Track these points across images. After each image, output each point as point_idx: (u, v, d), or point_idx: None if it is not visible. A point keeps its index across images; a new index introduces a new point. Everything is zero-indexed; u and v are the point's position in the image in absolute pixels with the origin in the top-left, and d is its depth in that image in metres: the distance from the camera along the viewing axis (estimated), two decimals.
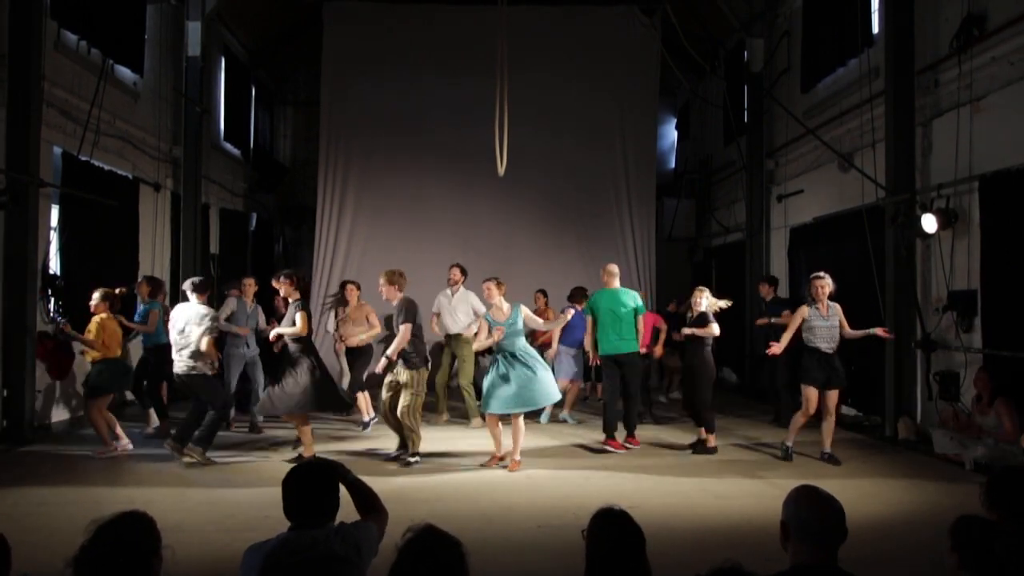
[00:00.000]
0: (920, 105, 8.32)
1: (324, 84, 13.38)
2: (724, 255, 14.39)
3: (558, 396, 7.33)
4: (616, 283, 7.85)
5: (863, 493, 5.93)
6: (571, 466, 7.01)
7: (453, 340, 9.29)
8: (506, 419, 7.00)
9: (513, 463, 6.84)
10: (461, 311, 9.26)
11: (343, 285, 9.56)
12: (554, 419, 9.33)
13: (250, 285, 8.77)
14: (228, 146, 14.03)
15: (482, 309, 8.44)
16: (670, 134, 17.37)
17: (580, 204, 13.28)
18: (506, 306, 7.05)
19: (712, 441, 7.64)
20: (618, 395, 7.80)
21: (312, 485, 2.60)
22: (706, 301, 7.73)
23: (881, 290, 8.51)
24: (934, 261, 8.13)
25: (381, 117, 13.17)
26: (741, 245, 12.97)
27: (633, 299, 7.82)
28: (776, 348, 7.29)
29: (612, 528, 2.45)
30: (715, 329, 7.62)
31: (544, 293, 10.63)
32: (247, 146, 14.98)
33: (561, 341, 9.35)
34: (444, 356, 9.49)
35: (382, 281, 7.14)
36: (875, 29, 9.29)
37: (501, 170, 8.78)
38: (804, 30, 11.08)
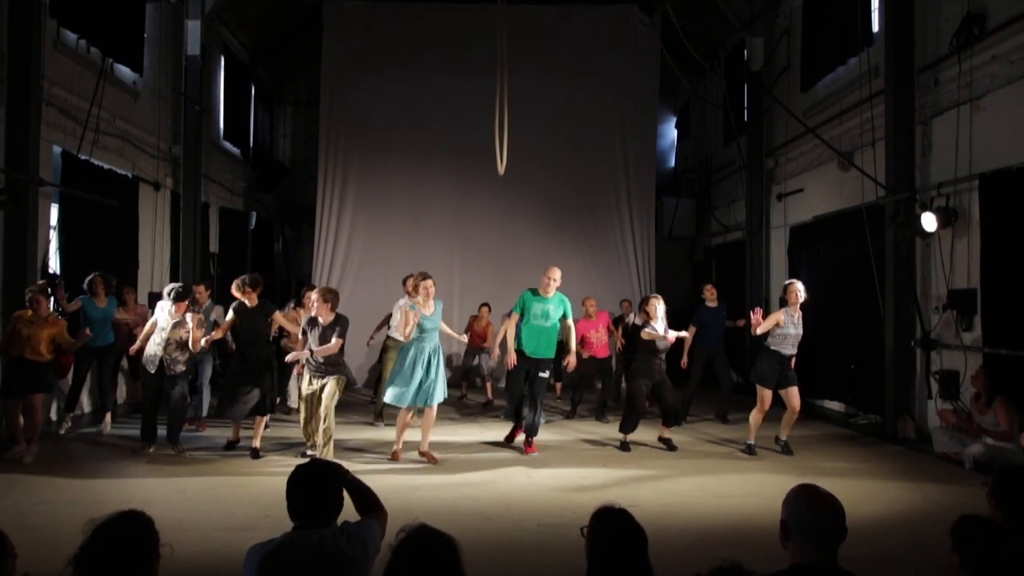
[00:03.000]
0: (920, 104, 8.32)
1: (324, 84, 13.40)
2: (724, 254, 14.39)
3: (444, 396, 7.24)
4: (553, 291, 7.54)
5: (863, 492, 5.93)
6: (570, 465, 7.00)
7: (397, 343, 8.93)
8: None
9: (429, 454, 7.00)
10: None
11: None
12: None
13: (200, 292, 8.49)
14: (228, 145, 14.03)
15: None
16: (670, 133, 17.37)
17: (580, 203, 13.30)
18: (431, 303, 7.12)
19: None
20: (524, 394, 7.57)
21: (317, 485, 2.61)
22: (662, 310, 7.67)
23: (881, 289, 8.51)
24: (934, 260, 8.13)
25: (381, 117, 13.18)
26: (741, 244, 12.97)
27: (564, 307, 7.59)
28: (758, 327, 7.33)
29: (612, 526, 2.44)
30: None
31: (488, 306, 10.99)
32: (247, 145, 14.97)
33: None
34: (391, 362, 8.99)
35: (316, 297, 6.98)
36: (875, 28, 9.29)
37: (501, 169, 8.78)
38: (804, 29, 11.08)
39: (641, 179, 13.48)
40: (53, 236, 8.74)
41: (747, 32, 12.35)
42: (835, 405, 10.27)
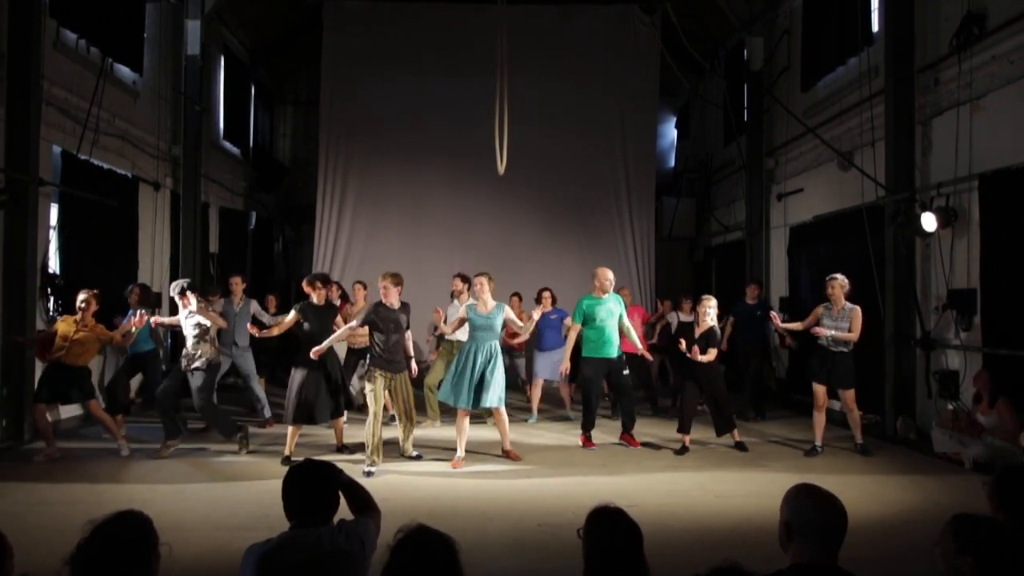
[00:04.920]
0: (920, 104, 8.31)
1: (324, 84, 13.41)
2: (724, 254, 14.39)
3: (499, 402, 7.03)
4: (611, 290, 7.81)
5: (863, 492, 5.93)
6: (571, 465, 7.00)
7: (451, 345, 8.98)
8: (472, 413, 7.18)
9: (511, 452, 7.12)
10: None
11: (352, 285, 9.43)
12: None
13: (236, 283, 8.89)
14: (228, 145, 14.03)
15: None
16: (670, 133, 17.37)
17: (580, 203, 13.31)
18: (491, 303, 7.08)
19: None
20: (600, 397, 7.87)
21: (313, 484, 2.62)
22: (713, 312, 7.63)
23: (881, 289, 8.51)
24: (934, 260, 8.13)
25: (381, 116, 13.19)
26: (741, 244, 12.97)
27: (620, 303, 7.89)
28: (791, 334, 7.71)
29: (608, 526, 2.44)
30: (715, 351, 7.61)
31: (519, 296, 10.54)
32: (247, 145, 14.98)
33: (541, 345, 9.40)
34: (440, 359, 9.15)
35: (389, 283, 6.77)
36: (875, 28, 9.29)
37: (501, 169, 8.79)
38: (804, 29, 11.08)
39: (641, 179, 13.48)
40: (53, 236, 8.74)
41: (747, 32, 12.35)
42: (835, 405, 10.21)
